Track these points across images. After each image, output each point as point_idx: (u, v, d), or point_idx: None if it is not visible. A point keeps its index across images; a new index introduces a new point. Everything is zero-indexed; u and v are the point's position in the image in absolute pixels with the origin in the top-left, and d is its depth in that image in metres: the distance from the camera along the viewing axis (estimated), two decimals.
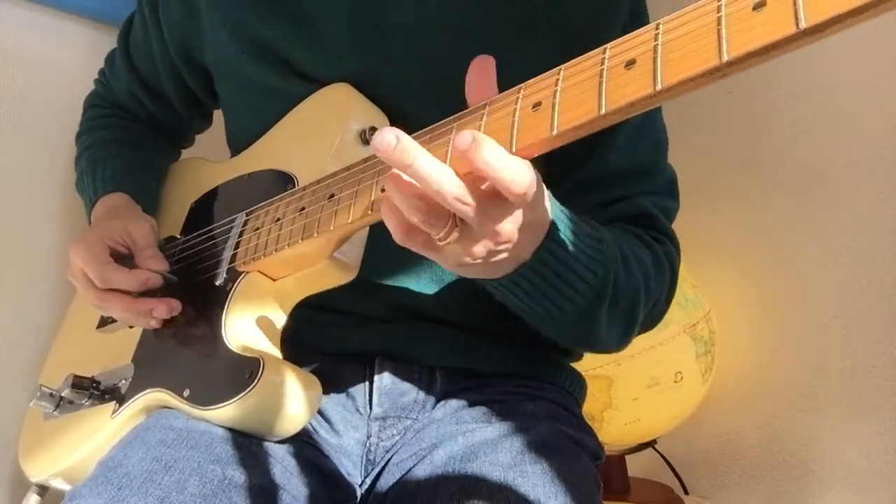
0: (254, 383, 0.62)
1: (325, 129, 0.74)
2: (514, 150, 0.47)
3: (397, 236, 0.52)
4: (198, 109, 0.99)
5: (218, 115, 1.02)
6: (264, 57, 0.78)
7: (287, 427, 0.66)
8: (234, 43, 0.79)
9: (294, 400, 0.65)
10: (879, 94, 1.23)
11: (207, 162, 0.95)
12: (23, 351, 1.08)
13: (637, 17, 0.77)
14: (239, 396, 0.62)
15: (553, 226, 0.57)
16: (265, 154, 0.81)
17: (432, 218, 0.48)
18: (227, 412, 0.63)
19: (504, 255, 0.54)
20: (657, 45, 0.41)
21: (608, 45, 0.45)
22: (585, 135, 0.46)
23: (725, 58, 0.38)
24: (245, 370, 0.64)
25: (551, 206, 0.57)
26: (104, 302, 0.75)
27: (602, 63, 0.44)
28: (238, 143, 0.86)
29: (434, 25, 0.74)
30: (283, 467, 0.66)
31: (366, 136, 0.72)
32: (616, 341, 0.73)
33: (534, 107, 0.47)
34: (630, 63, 0.42)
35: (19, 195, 1.11)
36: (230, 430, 0.66)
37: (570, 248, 0.59)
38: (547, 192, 0.56)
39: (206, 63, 0.86)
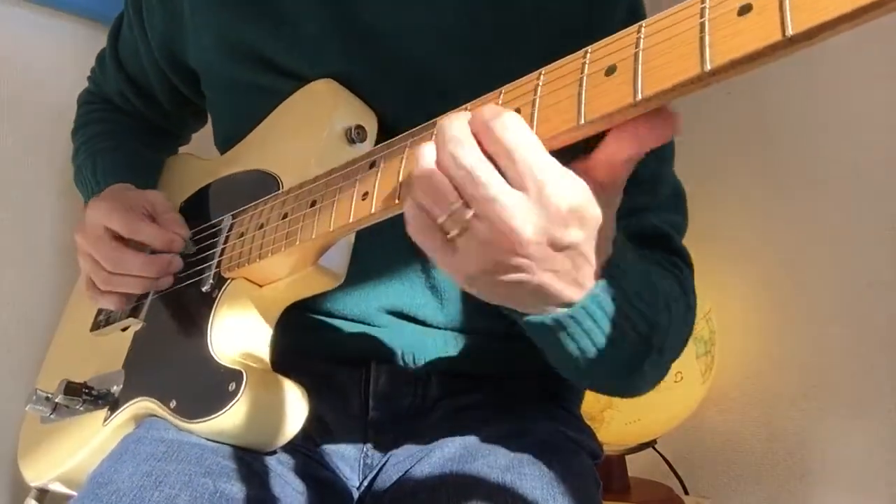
0: (237, 397, 0.61)
1: (309, 127, 0.72)
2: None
3: (410, 225, 0.49)
4: (188, 108, 0.97)
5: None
6: (248, 58, 0.77)
7: (274, 439, 0.65)
8: (217, 45, 0.79)
9: (280, 412, 0.64)
10: (879, 94, 1.23)
11: (196, 159, 0.94)
12: (21, 354, 1.08)
13: (635, 15, 0.75)
14: (222, 411, 0.61)
15: (613, 270, 0.51)
16: (251, 153, 0.80)
17: (437, 195, 0.46)
18: (211, 426, 0.62)
19: (522, 275, 0.47)
20: (638, 51, 0.39)
21: (589, 49, 0.43)
22: (564, 146, 0.44)
23: (708, 66, 0.35)
24: (228, 382, 0.62)
25: (614, 252, 0.51)
26: (121, 260, 0.73)
27: (582, 69, 0.42)
28: (227, 142, 0.86)
29: (418, 29, 0.73)
30: (277, 476, 0.66)
31: (351, 135, 0.70)
32: (648, 388, 0.67)
33: None
34: (610, 70, 0.40)
35: (16, 195, 1.11)
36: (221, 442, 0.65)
37: (625, 294, 0.52)
38: (612, 237, 0.50)
39: (191, 64, 0.85)
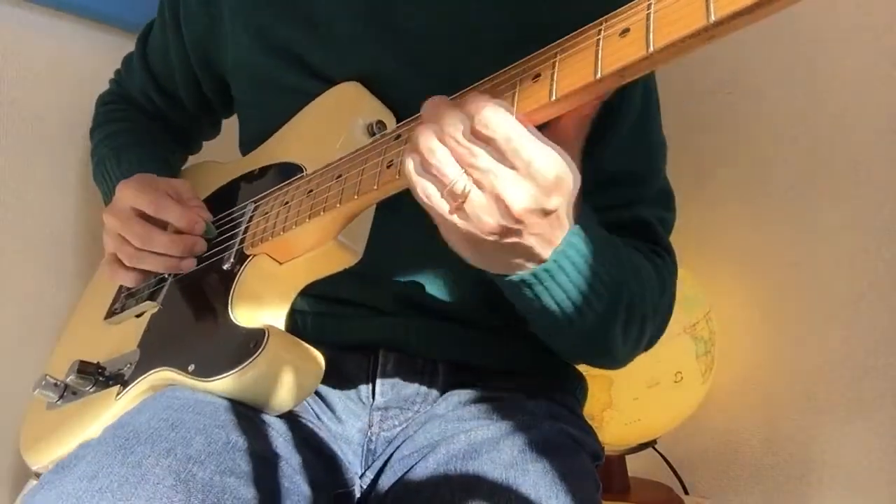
0: (259, 352, 0.63)
1: (333, 123, 0.75)
2: (514, 117, 0.49)
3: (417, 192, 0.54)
4: (208, 116, 1.01)
5: (226, 125, 1.04)
6: (283, 57, 0.80)
7: (289, 398, 0.66)
8: (255, 45, 0.81)
9: (297, 372, 0.65)
10: (879, 94, 1.23)
11: (218, 163, 0.96)
12: (25, 347, 1.07)
13: None
14: (244, 364, 0.63)
15: (578, 230, 0.58)
16: (275, 150, 0.82)
17: (444, 163, 0.51)
18: (231, 381, 0.64)
19: (515, 238, 0.54)
20: (650, 13, 0.43)
21: (604, 19, 0.47)
22: (584, 101, 0.48)
23: (713, 18, 0.39)
24: (250, 340, 0.64)
25: (580, 214, 0.59)
26: (149, 237, 0.76)
27: (599, 34, 0.46)
28: (251, 143, 0.88)
29: (445, 29, 0.75)
30: (286, 441, 0.67)
31: (373, 129, 0.73)
32: (625, 355, 0.74)
33: (533, 78, 0.49)
34: (624, 32, 0.44)
35: (15, 195, 1.11)
36: (235, 402, 0.66)
37: (591, 252, 0.60)
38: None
39: (225, 67, 0.88)
